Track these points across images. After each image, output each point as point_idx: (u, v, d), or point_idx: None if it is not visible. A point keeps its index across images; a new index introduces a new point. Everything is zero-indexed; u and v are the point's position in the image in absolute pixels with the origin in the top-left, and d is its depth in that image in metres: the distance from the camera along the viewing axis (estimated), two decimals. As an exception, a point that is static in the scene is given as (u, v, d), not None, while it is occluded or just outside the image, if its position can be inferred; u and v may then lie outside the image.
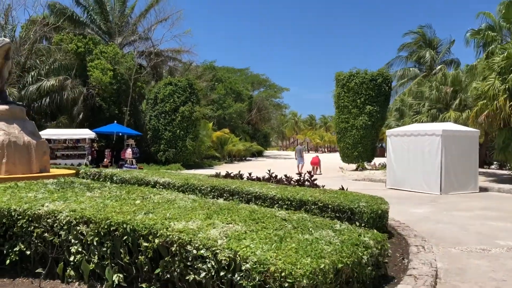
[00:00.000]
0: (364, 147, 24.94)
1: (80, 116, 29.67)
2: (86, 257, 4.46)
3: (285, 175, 11.00)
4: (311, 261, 3.58)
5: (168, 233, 4.09)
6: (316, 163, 23.41)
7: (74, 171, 9.83)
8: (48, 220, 4.59)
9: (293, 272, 3.43)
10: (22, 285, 4.53)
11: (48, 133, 22.57)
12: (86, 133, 22.74)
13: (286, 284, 3.42)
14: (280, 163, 37.46)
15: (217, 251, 3.79)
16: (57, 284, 4.57)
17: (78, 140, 22.89)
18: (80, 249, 4.48)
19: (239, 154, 43.07)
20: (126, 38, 34.32)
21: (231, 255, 3.72)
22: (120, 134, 24.01)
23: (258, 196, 7.29)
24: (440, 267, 5.60)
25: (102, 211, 4.61)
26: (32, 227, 4.63)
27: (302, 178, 10.24)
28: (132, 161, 22.80)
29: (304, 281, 3.41)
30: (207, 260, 3.84)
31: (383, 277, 4.85)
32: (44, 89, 25.32)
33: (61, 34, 30.66)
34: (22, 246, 4.66)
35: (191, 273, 3.94)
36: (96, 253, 4.42)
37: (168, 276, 4.13)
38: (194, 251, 3.91)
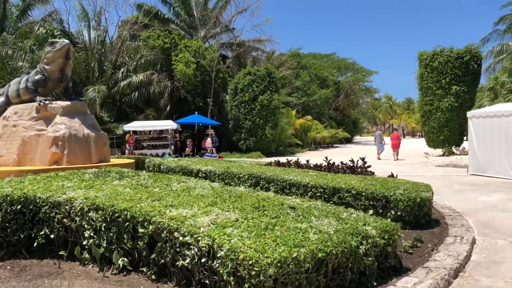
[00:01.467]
0: (450, 131, 23.30)
1: (168, 108, 31.32)
2: (97, 241, 4.76)
3: (341, 162, 10.71)
4: (283, 250, 3.50)
5: (159, 220, 4.23)
6: (396, 145, 22.30)
7: (132, 161, 10.45)
8: (66, 207, 4.96)
9: (259, 261, 3.38)
10: (47, 266, 4.96)
11: (135, 125, 24.16)
12: (169, 124, 23.95)
13: (253, 272, 3.38)
14: (364, 149, 36.39)
15: (199, 238, 3.86)
16: (76, 265, 4.93)
17: (161, 131, 24.19)
18: (92, 234, 4.79)
19: (324, 141, 42.55)
20: (209, 31, 35.35)
21: (209, 243, 3.75)
22: (200, 124, 24.92)
23: (292, 183, 7.20)
24: (473, 260, 5.14)
25: (113, 198, 4.87)
26: (54, 213, 5.04)
27: (355, 165, 9.90)
28: (212, 150, 23.59)
29: (271, 270, 3.35)
30: (191, 246, 3.92)
31: (393, 268, 4.56)
32: (133, 84, 27.05)
33: (148, 31, 32.50)
34: (47, 230, 5.09)
35: (180, 258, 4.04)
36: (105, 238, 4.70)
37: (163, 261, 4.27)
38: (181, 238, 4.00)
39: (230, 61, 35.67)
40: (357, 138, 74.36)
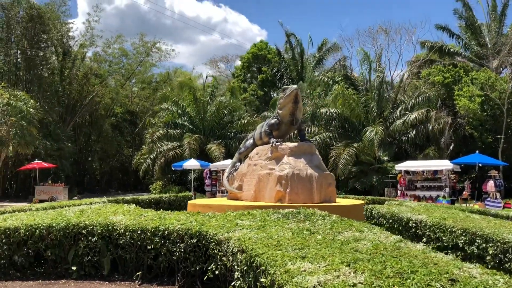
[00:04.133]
0: None
1: (451, 146, 28.96)
2: (242, 284, 4.76)
3: None
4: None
5: (274, 271, 3.93)
6: None
7: (361, 202, 9.99)
8: (224, 245, 5.18)
9: None
10: (210, 300, 5.26)
11: (407, 164, 23.27)
12: (443, 164, 22.03)
13: None
14: None
15: (295, 300, 3.40)
16: (231, 305, 5.05)
17: (436, 172, 22.45)
18: (239, 276, 4.83)
19: None
20: (504, 59, 31.23)
21: (298, 307, 3.26)
22: (480, 164, 21.93)
23: (516, 246, 5.50)
24: None
25: (259, 242, 4.81)
26: (217, 250, 5.33)
27: None
28: (495, 195, 20.37)
29: None
30: (291, 308, 3.49)
31: None
32: (407, 122, 26.31)
33: (431, 67, 31.27)
34: (213, 266, 5.41)
35: (286, 318, 3.65)
36: (246, 282, 4.66)
37: (279, 317, 3.93)
38: (285, 296, 3.62)
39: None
40: None
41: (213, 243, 5.41)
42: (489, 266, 5.88)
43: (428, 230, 6.84)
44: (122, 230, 6.07)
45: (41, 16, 32.06)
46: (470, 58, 32.99)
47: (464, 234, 6.24)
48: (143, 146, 34.73)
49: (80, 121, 40.98)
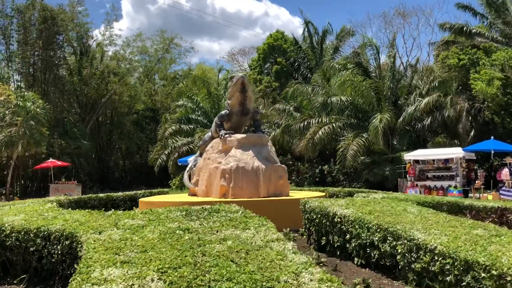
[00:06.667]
0: None
1: (471, 133, 27.41)
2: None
3: None
4: None
5: (75, 278, 3.52)
6: None
7: (319, 194, 9.31)
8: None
9: None
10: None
11: (416, 154, 22.14)
12: (454, 152, 20.75)
13: None
14: None
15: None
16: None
17: (447, 160, 21.18)
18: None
19: None
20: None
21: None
22: (493, 151, 20.46)
23: (419, 246, 4.79)
24: None
25: (104, 245, 4.40)
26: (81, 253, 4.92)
27: None
28: (510, 183, 18.97)
29: None
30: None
31: None
32: (419, 109, 24.91)
33: (449, 50, 29.67)
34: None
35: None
36: None
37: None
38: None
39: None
40: None
41: (80, 245, 5.01)
42: (399, 267, 5.21)
43: (350, 226, 6.18)
44: (9, 231, 5.78)
45: (54, 17, 32.56)
46: (496, 38, 31.01)
47: (378, 230, 5.56)
48: (158, 143, 34.84)
49: (101, 119, 41.65)
